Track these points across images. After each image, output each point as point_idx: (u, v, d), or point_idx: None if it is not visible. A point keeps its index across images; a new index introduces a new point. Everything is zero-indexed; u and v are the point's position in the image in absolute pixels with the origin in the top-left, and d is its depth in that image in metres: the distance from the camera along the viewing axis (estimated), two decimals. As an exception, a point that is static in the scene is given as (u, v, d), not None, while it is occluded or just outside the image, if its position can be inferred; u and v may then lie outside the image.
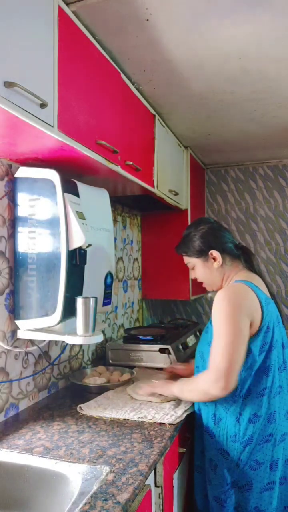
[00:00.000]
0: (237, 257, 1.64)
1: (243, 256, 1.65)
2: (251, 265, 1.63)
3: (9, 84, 1.02)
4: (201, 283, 1.72)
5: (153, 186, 2.15)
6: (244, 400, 1.42)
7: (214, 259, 1.60)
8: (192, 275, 1.70)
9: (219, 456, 1.45)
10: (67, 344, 1.89)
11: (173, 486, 1.43)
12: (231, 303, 1.41)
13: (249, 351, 1.40)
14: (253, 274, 1.60)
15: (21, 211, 1.52)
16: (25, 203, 1.51)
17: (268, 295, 1.56)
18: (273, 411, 1.42)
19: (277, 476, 1.41)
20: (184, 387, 1.52)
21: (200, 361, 1.58)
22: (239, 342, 1.37)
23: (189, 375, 1.73)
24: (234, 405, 1.43)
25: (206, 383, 1.40)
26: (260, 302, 1.44)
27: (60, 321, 1.45)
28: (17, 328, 1.54)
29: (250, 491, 1.40)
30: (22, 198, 1.52)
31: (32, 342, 1.66)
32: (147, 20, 1.45)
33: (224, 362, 1.35)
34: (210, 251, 1.59)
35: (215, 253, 1.59)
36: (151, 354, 2.12)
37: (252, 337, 1.41)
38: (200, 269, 1.63)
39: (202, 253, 1.61)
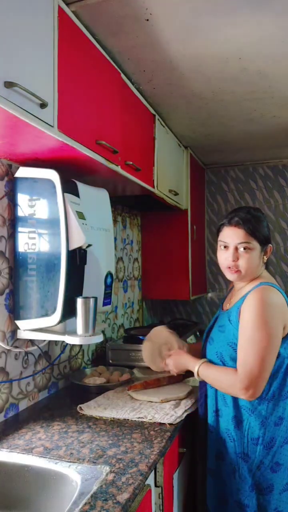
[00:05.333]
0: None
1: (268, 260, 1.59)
2: (268, 269, 1.59)
3: (9, 84, 1.02)
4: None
5: (153, 186, 2.15)
6: (270, 403, 1.39)
7: (266, 253, 1.50)
8: (235, 256, 1.46)
9: (239, 459, 1.41)
10: (67, 344, 1.89)
11: (173, 486, 1.43)
12: (266, 306, 1.36)
13: (278, 354, 1.37)
14: (271, 276, 1.56)
15: (21, 211, 1.52)
16: (25, 203, 1.51)
17: None
18: None
19: None
20: (210, 373, 1.48)
21: (219, 362, 1.50)
22: (273, 348, 1.34)
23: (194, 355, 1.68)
24: (259, 407, 1.39)
25: (235, 387, 1.36)
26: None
27: (60, 321, 1.45)
28: (17, 328, 1.54)
29: (271, 493, 1.38)
30: (22, 198, 1.52)
31: (32, 342, 1.66)
32: (147, 20, 1.45)
33: (257, 369, 1.32)
34: (269, 244, 1.51)
35: (271, 248, 1.52)
36: (151, 354, 2.12)
37: (283, 340, 1.38)
38: (255, 255, 1.46)
39: (265, 242, 1.49)
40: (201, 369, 1.50)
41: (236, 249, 1.45)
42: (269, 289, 1.41)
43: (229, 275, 1.51)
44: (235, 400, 1.42)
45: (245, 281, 1.50)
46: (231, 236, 1.47)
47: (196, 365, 1.52)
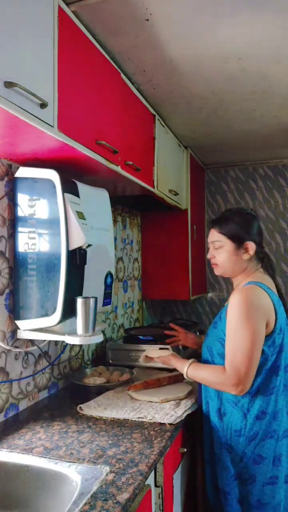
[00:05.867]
0: (261, 259, 1.63)
1: (266, 259, 1.64)
2: (272, 270, 1.63)
3: (9, 84, 1.02)
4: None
5: (153, 186, 2.15)
6: (253, 398, 1.45)
7: (247, 250, 1.55)
8: (211, 253, 1.62)
9: (223, 449, 1.48)
10: (67, 344, 1.89)
11: (173, 486, 1.43)
12: (249, 305, 1.42)
13: (262, 351, 1.42)
14: (267, 277, 1.59)
15: (21, 211, 1.52)
16: (25, 203, 1.51)
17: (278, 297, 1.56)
18: (278, 409, 1.46)
19: (281, 472, 1.45)
20: (199, 373, 1.56)
21: (209, 356, 1.58)
22: (256, 345, 1.40)
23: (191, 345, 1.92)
24: (242, 401, 1.45)
25: (224, 384, 1.43)
26: (274, 304, 1.46)
27: (60, 321, 1.45)
28: (17, 328, 1.54)
29: (253, 484, 1.43)
30: (22, 198, 1.52)
31: (32, 342, 1.66)
32: (147, 20, 1.45)
33: (245, 366, 1.39)
34: (248, 241, 1.55)
35: (251, 245, 1.55)
36: (151, 354, 2.12)
37: (266, 338, 1.43)
38: (227, 252, 1.57)
39: (239, 239, 1.56)
40: (189, 371, 1.58)
41: (213, 246, 1.62)
42: (253, 288, 1.46)
43: (214, 270, 1.65)
44: (219, 393, 1.50)
45: (229, 275, 1.62)
46: (209, 236, 1.65)
47: (184, 367, 1.60)
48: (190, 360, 1.61)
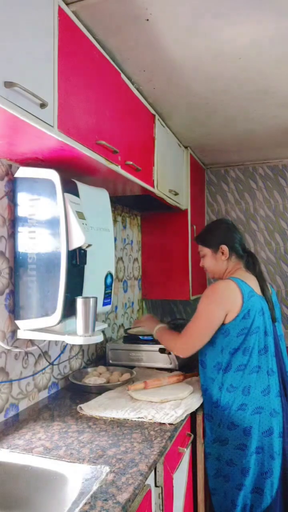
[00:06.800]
0: (241, 257, 1.86)
1: (247, 258, 1.86)
2: (252, 269, 1.83)
3: (9, 84, 1.02)
4: (201, 276, 1.82)
5: (153, 186, 2.15)
6: (225, 373, 1.69)
7: (223, 253, 1.84)
8: (201, 262, 1.95)
9: (206, 420, 1.74)
10: (67, 344, 1.89)
11: (173, 486, 1.43)
12: (209, 297, 1.73)
13: (227, 332, 1.67)
14: (248, 274, 1.80)
15: (21, 211, 1.52)
16: (25, 203, 1.51)
17: (258, 292, 1.74)
18: (247, 385, 1.65)
19: (251, 443, 1.62)
20: (162, 336, 1.90)
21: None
22: (208, 325, 1.70)
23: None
24: (218, 376, 1.70)
25: (175, 347, 1.82)
26: (242, 294, 1.67)
27: (60, 321, 1.44)
28: (17, 328, 1.54)
29: (226, 446, 1.67)
30: (22, 198, 1.51)
31: (32, 342, 1.66)
32: (147, 20, 1.45)
33: (191, 335, 1.75)
34: (221, 245, 1.84)
35: (225, 247, 1.84)
36: (151, 354, 2.12)
37: (231, 322, 1.66)
38: (209, 258, 1.89)
39: (214, 246, 1.86)
40: (157, 331, 1.92)
41: (201, 256, 1.95)
42: (221, 282, 1.74)
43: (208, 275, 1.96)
44: (204, 373, 1.75)
45: (218, 277, 1.90)
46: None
47: (155, 327, 1.94)
48: (161, 324, 1.95)
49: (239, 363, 1.66)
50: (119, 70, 1.73)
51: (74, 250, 1.46)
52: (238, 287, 1.68)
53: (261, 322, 1.69)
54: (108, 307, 1.79)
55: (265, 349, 1.69)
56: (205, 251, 1.90)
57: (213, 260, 1.87)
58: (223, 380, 1.68)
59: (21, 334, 1.54)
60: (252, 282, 1.75)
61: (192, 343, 1.74)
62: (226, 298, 1.68)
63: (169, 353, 2.08)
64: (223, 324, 1.67)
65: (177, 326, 2.72)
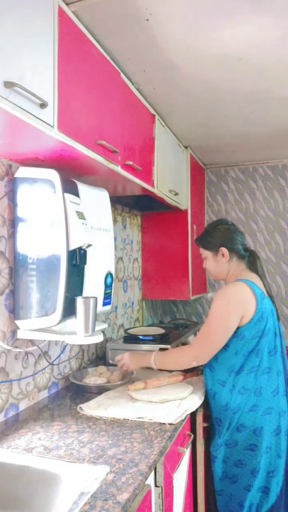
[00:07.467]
0: (243, 258, 1.85)
1: (249, 258, 1.86)
2: (255, 267, 1.83)
3: (9, 84, 1.02)
4: (201, 276, 1.82)
5: (153, 186, 2.15)
6: (237, 376, 1.67)
7: (223, 255, 1.83)
8: (204, 264, 1.95)
9: (214, 424, 1.71)
10: (67, 344, 1.89)
11: (173, 486, 1.42)
12: (223, 297, 1.69)
13: (242, 335, 1.65)
14: (253, 274, 1.79)
15: (21, 211, 1.52)
16: (25, 203, 1.51)
17: (265, 293, 1.74)
18: (259, 387, 1.65)
19: (262, 444, 1.62)
20: (167, 358, 1.82)
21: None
22: (222, 329, 1.66)
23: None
24: (229, 379, 1.68)
25: (192, 356, 1.73)
26: (256, 297, 1.66)
27: (60, 321, 1.44)
28: (17, 328, 1.54)
29: (235, 447, 1.65)
30: (22, 198, 1.51)
31: (32, 342, 1.66)
32: (147, 20, 1.45)
33: (206, 341, 1.70)
34: (221, 248, 1.83)
35: (224, 250, 1.82)
36: (151, 354, 2.12)
37: (246, 325, 1.64)
38: (210, 260, 1.88)
39: (214, 248, 1.85)
40: (157, 358, 1.80)
41: (202, 259, 1.93)
42: (235, 284, 1.70)
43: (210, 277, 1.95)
44: (212, 375, 1.71)
45: (221, 278, 1.89)
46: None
47: (151, 357, 1.81)
48: (154, 352, 1.83)
49: (252, 365, 1.65)
50: (119, 70, 1.73)
51: (74, 250, 1.46)
52: (251, 290, 1.67)
53: (272, 324, 1.70)
54: (108, 307, 1.79)
55: (275, 350, 1.70)
56: (206, 253, 1.89)
57: (214, 263, 1.86)
58: (234, 382, 1.67)
59: (21, 334, 1.53)
60: (259, 282, 1.75)
61: (211, 348, 1.69)
62: (241, 302, 1.66)
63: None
64: (237, 327, 1.66)
65: (177, 326, 2.73)
